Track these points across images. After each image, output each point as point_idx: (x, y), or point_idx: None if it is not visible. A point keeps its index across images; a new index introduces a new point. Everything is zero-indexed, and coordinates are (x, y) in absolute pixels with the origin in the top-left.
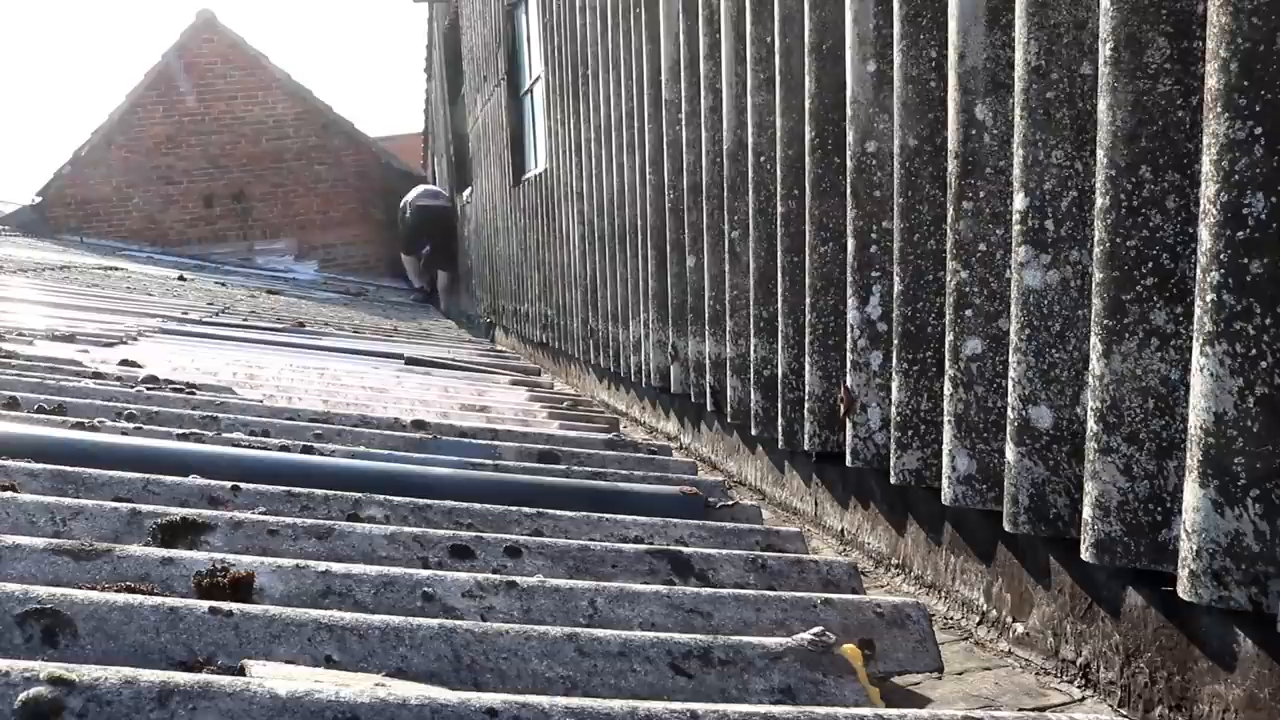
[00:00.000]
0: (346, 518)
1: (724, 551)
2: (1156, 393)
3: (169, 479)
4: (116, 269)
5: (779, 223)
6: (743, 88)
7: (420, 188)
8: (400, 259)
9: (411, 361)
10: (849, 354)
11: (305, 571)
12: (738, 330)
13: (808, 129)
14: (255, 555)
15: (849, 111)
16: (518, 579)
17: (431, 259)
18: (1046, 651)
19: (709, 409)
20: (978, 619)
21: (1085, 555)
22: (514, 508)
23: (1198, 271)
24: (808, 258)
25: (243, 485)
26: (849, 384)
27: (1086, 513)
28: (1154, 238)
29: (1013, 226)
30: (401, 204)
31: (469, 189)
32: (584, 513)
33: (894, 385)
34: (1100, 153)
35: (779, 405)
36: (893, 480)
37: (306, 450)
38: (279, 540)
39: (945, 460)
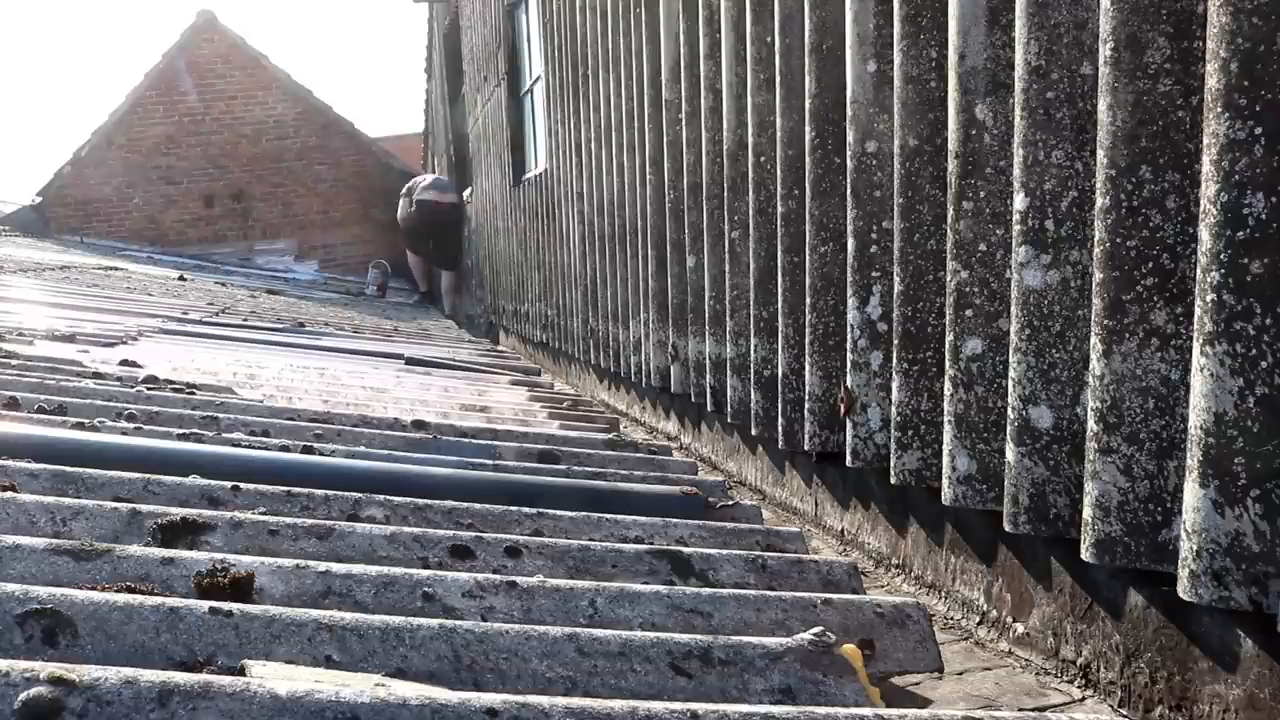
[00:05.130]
0: (346, 518)
1: (724, 551)
2: (1156, 393)
3: (169, 479)
4: (116, 269)
5: (779, 223)
6: (743, 88)
7: (428, 178)
8: (404, 255)
9: (411, 362)
10: (849, 354)
11: (305, 571)
12: (738, 330)
13: (808, 129)
14: (255, 555)
15: (849, 111)
16: (518, 579)
17: (435, 259)
18: (1047, 651)
19: (709, 409)
20: (978, 619)
21: (1085, 555)
22: (514, 508)
23: (1198, 271)
24: (808, 258)
25: (243, 485)
26: (849, 384)
27: (1087, 513)
28: (1154, 238)
29: (1013, 226)
30: (405, 189)
31: (469, 189)
32: (584, 513)
33: (894, 385)
34: (1100, 153)
35: (779, 405)
36: (893, 480)
37: (306, 450)
38: (279, 540)
39: (945, 460)
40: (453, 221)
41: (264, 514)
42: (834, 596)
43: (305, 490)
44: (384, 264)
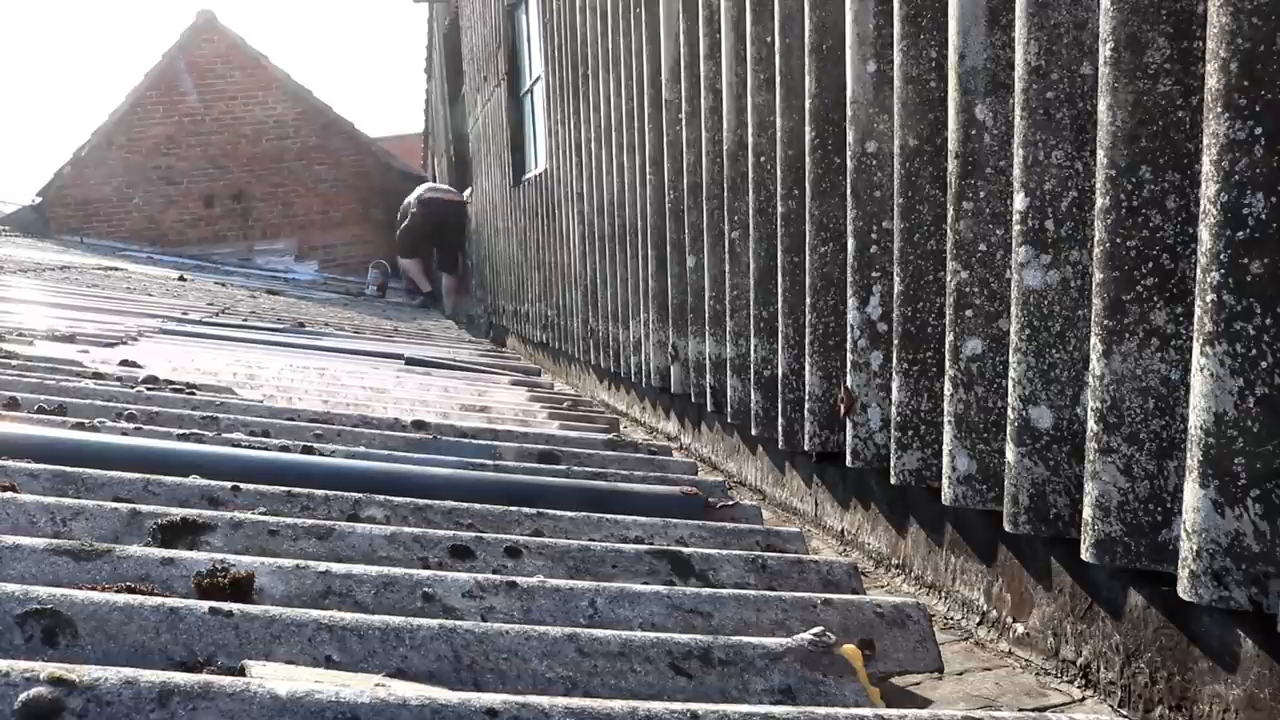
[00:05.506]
0: (346, 518)
1: (724, 552)
2: (1156, 393)
3: (169, 479)
4: (116, 269)
5: (779, 223)
6: (743, 88)
7: (424, 185)
8: (400, 263)
9: (411, 362)
10: (849, 354)
11: (305, 572)
12: (738, 330)
13: (808, 129)
14: (255, 555)
15: (849, 111)
16: (518, 579)
17: (438, 260)
18: (1047, 652)
19: (709, 409)
20: (978, 619)
21: (1085, 555)
22: (514, 508)
23: (1198, 271)
24: (808, 258)
25: (243, 485)
26: (849, 384)
27: (1087, 513)
28: (1154, 238)
29: (1013, 226)
30: (405, 203)
31: (469, 189)
32: (584, 513)
33: (894, 385)
34: (1100, 153)
35: (779, 405)
36: (893, 480)
37: (306, 450)
38: (279, 540)
39: (945, 460)
40: (456, 222)
41: (264, 514)
42: (834, 597)
43: (305, 490)
44: (384, 264)
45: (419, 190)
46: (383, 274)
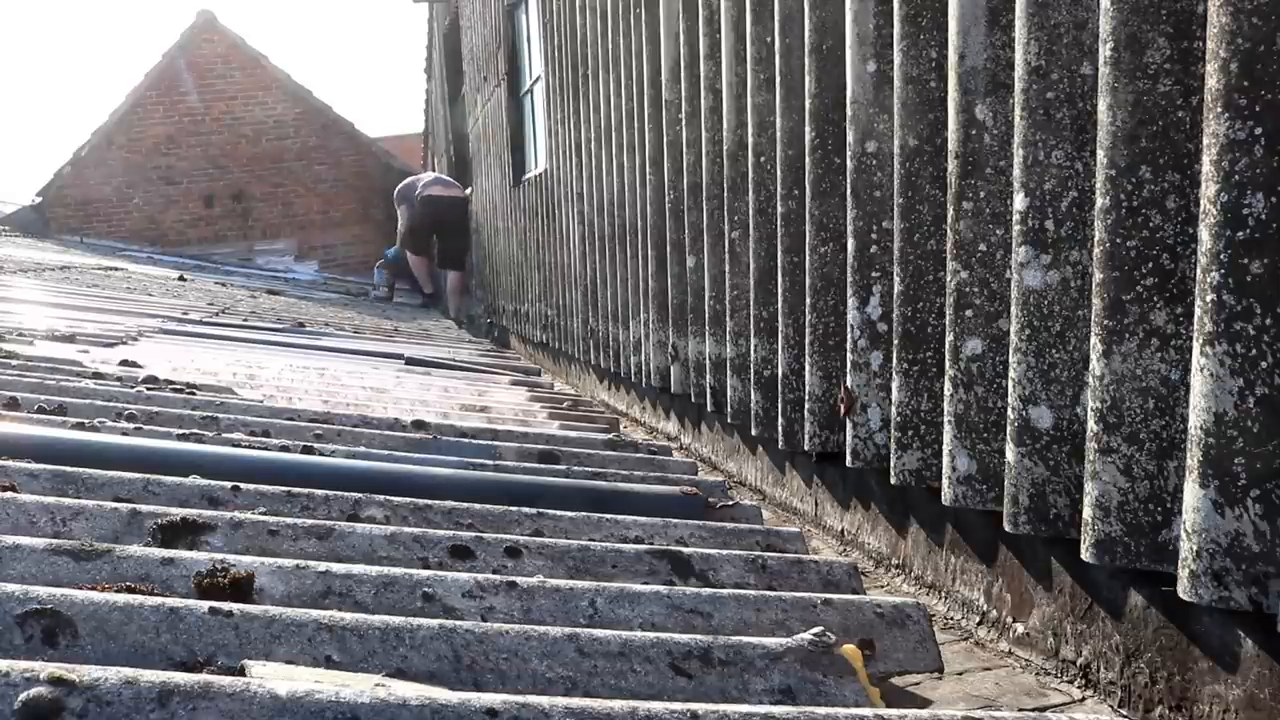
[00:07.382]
0: (346, 518)
1: (724, 552)
2: (1156, 393)
3: (169, 479)
4: (116, 269)
5: (779, 223)
6: (743, 88)
7: (428, 175)
8: (404, 258)
9: (412, 362)
10: (849, 354)
11: (305, 572)
12: (738, 330)
13: (808, 129)
14: (255, 555)
15: (849, 111)
16: (518, 579)
17: (440, 258)
18: (1047, 652)
19: (709, 409)
20: (978, 619)
21: (1085, 555)
22: (514, 508)
23: (1198, 271)
24: (808, 258)
25: (243, 485)
26: (849, 384)
27: (1087, 513)
28: (1154, 238)
29: (1013, 227)
30: (399, 192)
31: (469, 189)
32: (584, 513)
33: (894, 385)
34: (1100, 153)
35: (779, 405)
36: (893, 480)
37: (306, 450)
38: (279, 540)
39: (945, 460)
40: (458, 219)
41: (264, 514)
42: (834, 597)
43: (305, 490)
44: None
45: (422, 182)
46: (392, 274)
